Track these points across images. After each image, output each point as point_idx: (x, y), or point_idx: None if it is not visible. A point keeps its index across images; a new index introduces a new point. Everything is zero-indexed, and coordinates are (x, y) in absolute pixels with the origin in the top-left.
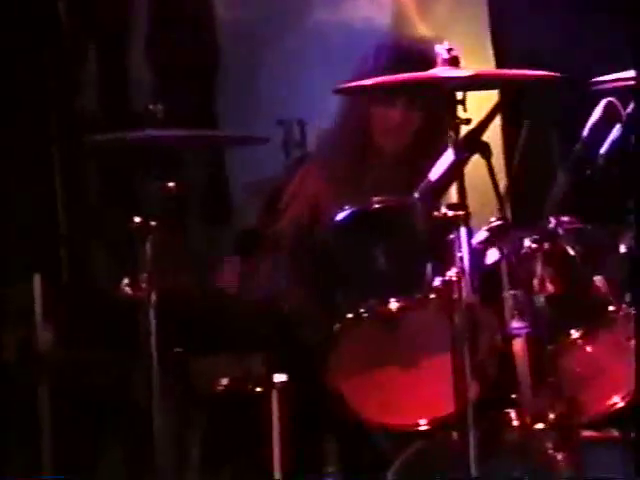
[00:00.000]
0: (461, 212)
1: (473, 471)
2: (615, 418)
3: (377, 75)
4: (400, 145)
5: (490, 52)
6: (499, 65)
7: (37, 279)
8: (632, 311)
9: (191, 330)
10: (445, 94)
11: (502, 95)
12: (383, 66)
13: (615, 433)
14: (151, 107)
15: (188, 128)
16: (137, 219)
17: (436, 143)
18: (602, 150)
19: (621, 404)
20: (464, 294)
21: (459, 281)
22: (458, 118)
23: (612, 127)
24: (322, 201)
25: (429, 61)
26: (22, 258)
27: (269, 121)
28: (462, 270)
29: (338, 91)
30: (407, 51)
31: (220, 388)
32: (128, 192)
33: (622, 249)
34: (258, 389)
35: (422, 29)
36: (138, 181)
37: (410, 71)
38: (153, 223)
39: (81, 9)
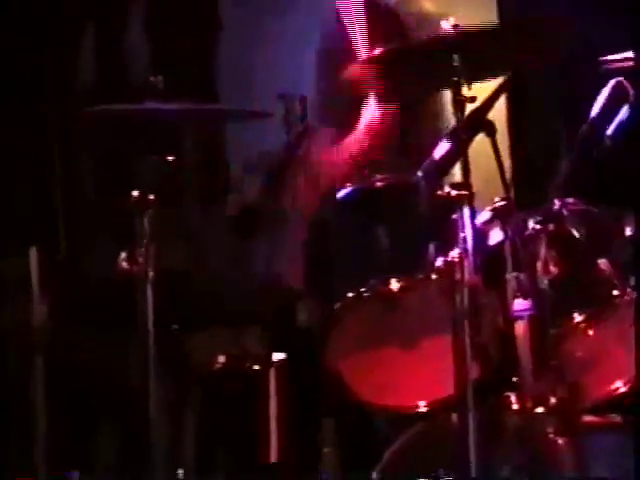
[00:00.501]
0: (465, 192)
1: (472, 454)
2: (617, 403)
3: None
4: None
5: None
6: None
7: (33, 252)
8: (635, 295)
9: (188, 307)
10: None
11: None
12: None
13: (617, 419)
14: (152, 79)
15: (187, 101)
16: (135, 193)
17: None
18: (609, 131)
19: (623, 389)
20: (466, 275)
21: (462, 262)
22: (463, 96)
23: (620, 108)
24: (320, 179)
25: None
26: (19, 231)
27: (270, 96)
28: (465, 251)
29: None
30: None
31: (217, 366)
32: (126, 165)
33: (628, 232)
34: (256, 367)
35: (427, 5)
36: (136, 154)
37: None
38: (151, 197)
39: None
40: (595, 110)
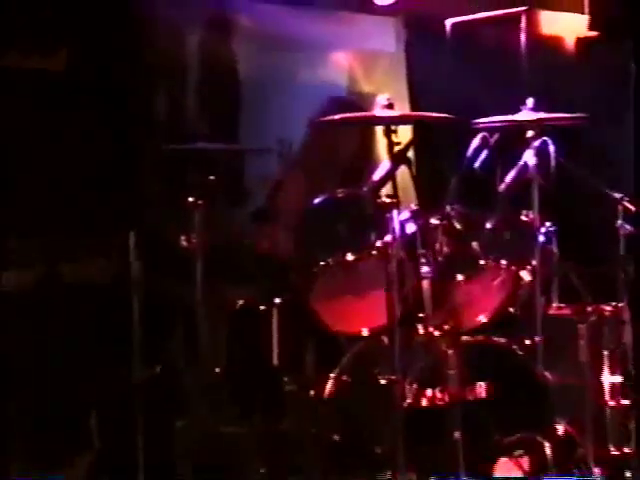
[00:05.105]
0: (394, 200)
1: (396, 361)
2: (481, 329)
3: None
4: (345, 160)
5: (407, 101)
6: (412, 110)
7: (132, 235)
8: (494, 264)
9: (221, 269)
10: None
11: (417, 128)
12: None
13: (481, 338)
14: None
15: (222, 142)
16: (190, 199)
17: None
18: (476, 164)
19: (485, 321)
20: (395, 252)
21: (392, 243)
22: (392, 141)
23: (483, 151)
24: (302, 193)
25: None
26: (123, 220)
27: (272, 139)
28: (394, 236)
29: (314, 123)
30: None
31: (237, 306)
32: (185, 181)
33: (488, 225)
34: (262, 307)
35: (365, 86)
36: (192, 174)
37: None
38: (200, 202)
39: (160, 69)
40: (469, 151)
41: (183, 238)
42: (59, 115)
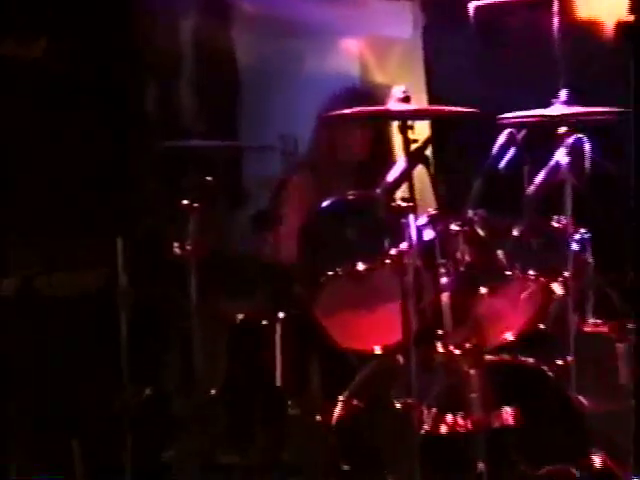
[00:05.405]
0: (411, 204)
1: (413, 383)
2: (507, 348)
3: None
4: (356, 159)
5: (424, 94)
6: (430, 103)
7: (119, 242)
8: (521, 275)
9: (218, 280)
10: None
11: (436, 124)
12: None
13: (507, 357)
14: (196, 123)
15: (220, 139)
16: (185, 202)
17: (384, 157)
18: (502, 164)
19: (511, 338)
20: (412, 260)
21: (408, 251)
22: (408, 138)
23: (509, 149)
24: (309, 195)
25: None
26: (109, 226)
27: (273, 136)
28: (411, 244)
29: (325, 118)
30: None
31: (236, 321)
32: (179, 182)
33: (515, 233)
34: (264, 322)
35: (379, 77)
36: (186, 175)
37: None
38: (196, 205)
39: (150, 59)
40: (495, 150)
41: (176, 245)
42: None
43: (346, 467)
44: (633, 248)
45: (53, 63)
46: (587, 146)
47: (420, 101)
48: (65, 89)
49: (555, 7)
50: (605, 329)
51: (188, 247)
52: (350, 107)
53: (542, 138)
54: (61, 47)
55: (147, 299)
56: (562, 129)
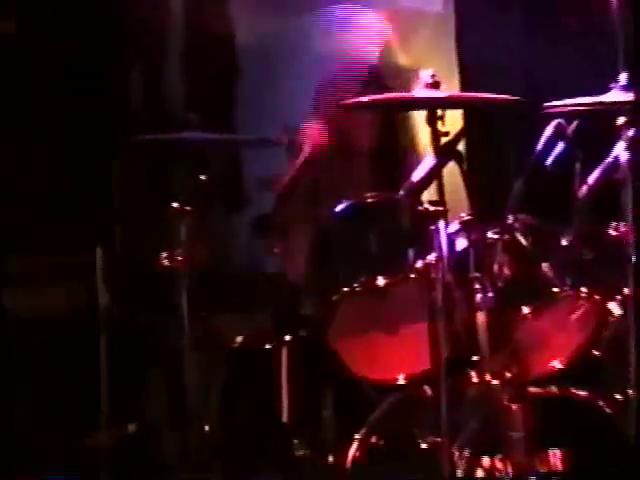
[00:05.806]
0: (440, 208)
1: (443, 418)
2: (555, 378)
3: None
4: (368, 145)
5: (456, 79)
6: (463, 90)
7: (99, 251)
8: (571, 292)
9: (213, 296)
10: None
11: (470, 114)
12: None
13: (554, 389)
14: (190, 115)
15: (215, 131)
16: (175, 205)
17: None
18: (549, 161)
19: (560, 367)
20: (442, 275)
21: (438, 264)
22: (438, 130)
23: (558, 143)
24: (320, 195)
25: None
26: (85, 233)
27: (276, 128)
28: (440, 255)
29: (335, 107)
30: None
31: (235, 345)
32: (168, 182)
33: (564, 242)
34: (268, 346)
35: (403, 59)
36: (176, 173)
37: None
38: (187, 208)
39: (132, 36)
40: (540, 144)
41: (165, 256)
42: None
43: None
44: None
45: (27, 40)
46: None
47: (452, 87)
48: (38, 70)
49: None
50: None
51: (179, 258)
52: (368, 94)
53: (597, 130)
54: (36, 22)
55: (131, 320)
56: (621, 119)
